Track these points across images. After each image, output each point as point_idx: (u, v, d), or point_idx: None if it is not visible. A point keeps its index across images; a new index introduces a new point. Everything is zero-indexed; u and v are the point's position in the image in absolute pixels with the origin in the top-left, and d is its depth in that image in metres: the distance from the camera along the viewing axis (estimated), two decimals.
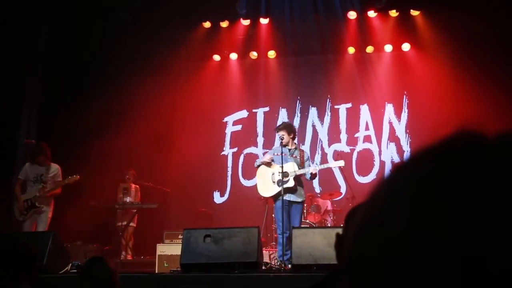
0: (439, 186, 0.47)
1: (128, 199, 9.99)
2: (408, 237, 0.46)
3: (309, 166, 7.66)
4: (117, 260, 9.06)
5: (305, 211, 8.90)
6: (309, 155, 7.93)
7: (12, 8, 9.58)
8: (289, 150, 7.72)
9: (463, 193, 0.46)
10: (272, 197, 7.72)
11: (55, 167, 8.43)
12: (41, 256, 5.92)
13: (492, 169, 0.47)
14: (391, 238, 0.47)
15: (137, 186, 10.33)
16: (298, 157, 7.68)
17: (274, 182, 7.59)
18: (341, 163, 7.90)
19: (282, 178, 7.46)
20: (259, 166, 7.83)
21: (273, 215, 9.60)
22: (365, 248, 0.49)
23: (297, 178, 7.57)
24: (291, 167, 7.52)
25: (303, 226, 7.40)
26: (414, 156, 0.51)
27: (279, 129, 7.83)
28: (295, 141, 7.95)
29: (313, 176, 7.67)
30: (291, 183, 7.47)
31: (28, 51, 10.13)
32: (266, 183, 7.71)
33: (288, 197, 7.46)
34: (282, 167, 7.45)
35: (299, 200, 7.56)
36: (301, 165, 7.60)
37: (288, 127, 7.85)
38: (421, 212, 0.46)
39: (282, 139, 7.66)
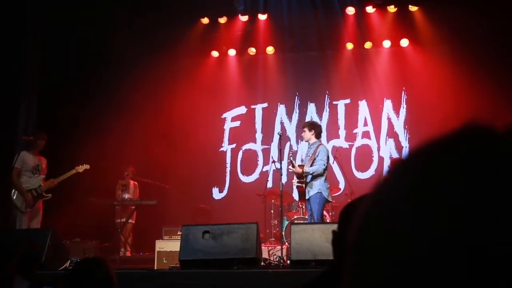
0: (446, 182, 0.46)
1: (126, 196, 10.00)
2: (409, 235, 0.45)
3: (320, 163, 7.87)
4: (116, 256, 9.07)
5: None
6: (320, 151, 7.90)
7: (9, 4, 9.55)
8: (309, 147, 8.07)
9: (472, 189, 0.45)
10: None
11: (44, 159, 8.49)
12: (40, 254, 5.92)
13: (503, 164, 0.46)
14: (392, 235, 0.46)
15: (136, 183, 10.33)
16: (310, 155, 7.91)
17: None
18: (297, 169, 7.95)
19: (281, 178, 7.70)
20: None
21: (272, 211, 9.67)
22: (367, 245, 0.48)
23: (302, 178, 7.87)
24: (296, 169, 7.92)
25: (301, 222, 7.42)
26: (419, 150, 0.50)
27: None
28: (318, 137, 8.15)
29: (298, 175, 7.90)
30: (295, 184, 7.92)
31: (26, 48, 10.10)
32: None
33: (305, 195, 7.92)
34: (279, 164, 7.65)
35: (306, 197, 7.86)
36: (310, 162, 7.82)
37: (307, 125, 8.27)
38: (425, 209, 0.46)
39: (279, 136, 8.12)
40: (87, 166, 8.64)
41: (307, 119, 11.53)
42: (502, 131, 0.48)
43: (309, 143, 8.10)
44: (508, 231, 0.43)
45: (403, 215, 0.46)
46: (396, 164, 0.51)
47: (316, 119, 11.53)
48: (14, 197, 8.16)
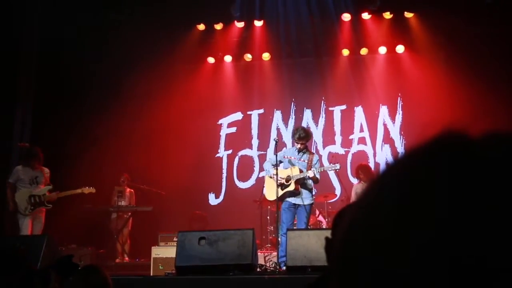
0: (424, 188, 0.47)
1: (123, 203, 9.97)
2: (394, 239, 0.46)
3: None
4: (112, 263, 9.04)
5: None
6: (318, 158, 8.07)
7: (3, 9, 9.53)
8: (299, 153, 7.84)
9: (447, 194, 0.46)
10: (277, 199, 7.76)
11: (46, 170, 8.51)
12: (36, 260, 5.90)
13: (476, 169, 0.47)
14: (377, 240, 0.47)
15: (132, 190, 10.30)
16: (306, 160, 7.78)
17: (278, 185, 7.70)
18: (336, 166, 7.94)
19: (277, 182, 7.62)
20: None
21: (268, 217, 9.63)
22: (352, 250, 0.49)
23: (301, 182, 7.66)
24: (293, 172, 7.68)
25: (297, 228, 7.40)
26: (400, 159, 0.51)
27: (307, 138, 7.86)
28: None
29: (313, 179, 7.73)
30: (291, 187, 7.64)
31: (21, 53, 10.09)
32: (271, 187, 7.82)
33: (292, 200, 7.67)
34: (276, 169, 7.60)
35: (303, 203, 7.64)
36: (308, 169, 7.69)
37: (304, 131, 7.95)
38: (407, 214, 0.46)
39: (275, 142, 7.92)
40: (92, 190, 8.70)
41: (303, 125, 11.53)
42: (476, 138, 0.50)
43: (300, 149, 7.84)
44: (488, 242, 0.43)
45: (384, 227, 0.47)
46: (377, 176, 0.52)
47: (312, 125, 11.55)
48: (18, 202, 8.20)
